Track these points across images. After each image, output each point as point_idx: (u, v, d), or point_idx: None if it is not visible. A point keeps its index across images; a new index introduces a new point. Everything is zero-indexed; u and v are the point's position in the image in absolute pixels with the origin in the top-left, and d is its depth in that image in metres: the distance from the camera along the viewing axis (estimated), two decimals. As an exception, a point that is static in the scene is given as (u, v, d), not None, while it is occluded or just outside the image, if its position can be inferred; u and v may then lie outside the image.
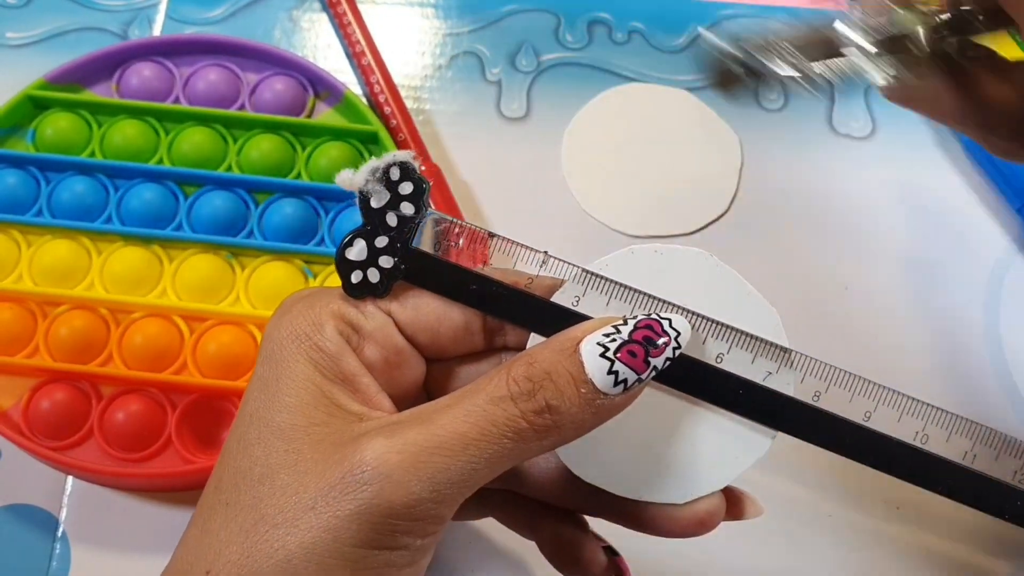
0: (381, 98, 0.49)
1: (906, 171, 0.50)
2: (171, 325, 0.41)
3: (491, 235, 0.27)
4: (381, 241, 0.26)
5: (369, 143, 0.46)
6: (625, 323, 0.24)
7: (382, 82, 0.49)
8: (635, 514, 0.27)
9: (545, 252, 0.26)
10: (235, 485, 0.24)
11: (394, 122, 0.48)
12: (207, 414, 0.41)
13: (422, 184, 0.26)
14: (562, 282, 0.26)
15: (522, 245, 0.26)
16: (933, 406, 0.25)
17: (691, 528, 0.27)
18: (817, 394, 0.25)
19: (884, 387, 0.25)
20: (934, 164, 0.50)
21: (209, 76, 0.47)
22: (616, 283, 0.26)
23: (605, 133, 0.50)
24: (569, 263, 0.26)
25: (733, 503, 0.27)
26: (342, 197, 0.45)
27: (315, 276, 0.43)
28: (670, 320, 0.25)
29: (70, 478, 0.41)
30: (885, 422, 0.25)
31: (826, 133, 0.51)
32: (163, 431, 0.40)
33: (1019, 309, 0.46)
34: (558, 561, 0.29)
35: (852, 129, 0.51)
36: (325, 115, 0.48)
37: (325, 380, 0.25)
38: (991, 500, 0.25)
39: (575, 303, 0.26)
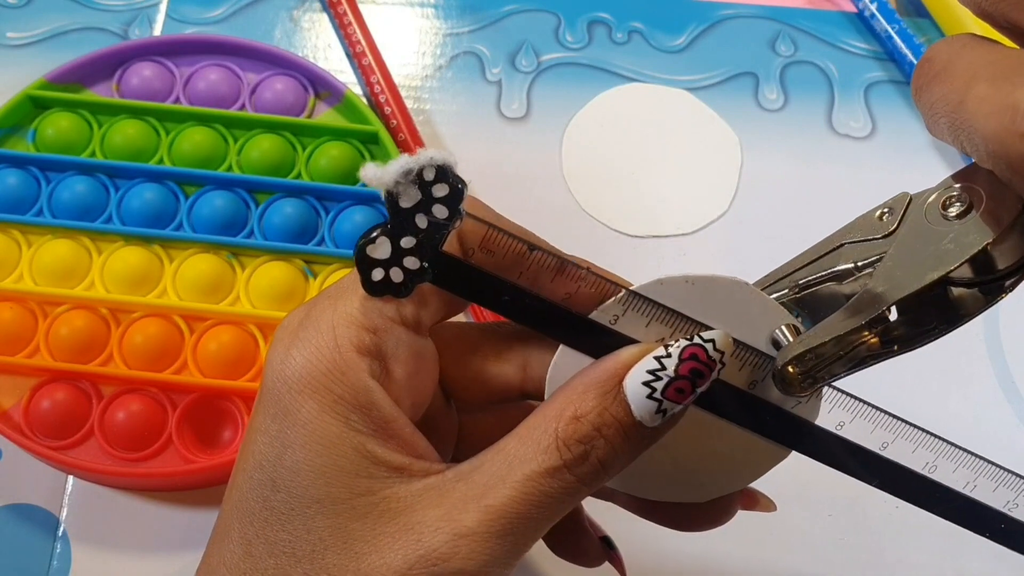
0: (382, 98, 0.49)
1: (906, 172, 0.50)
2: (171, 325, 0.41)
3: (531, 248, 0.25)
4: (407, 241, 0.24)
5: (369, 143, 0.46)
6: (668, 354, 0.23)
7: (382, 82, 0.49)
8: (653, 509, 0.28)
9: (587, 269, 0.25)
10: (274, 558, 0.23)
11: (394, 122, 0.48)
12: (207, 414, 0.41)
13: (459, 187, 0.23)
14: (608, 291, 0.25)
15: (564, 261, 0.25)
16: (947, 441, 0.26)
17: (705, 524, 0.28)
18: (841, 424, 0.26)
19: (904, 422, 0.26)
20: (934, 165, 0.50)
21: (209, 76, 0.47)
22: (658, 304, 0.25)
23: (605, 133, 0.50)
24: (611, 281, 0.25)
25: (748, 495, 0.28)
26: (342, 197, 0.45)
27: (315, 276, 0.43)
28: (714, 342, 0.24)
29: (71, 478, 0.41)
30: (900, 453, 0.26)
31: (826, 133, 0.51)
32: (163, 431, 0.40)
33: (1019, 309, 0.46)
34: (554, 546, 0.29)
35: (852, 129, 0.51)
36: (325, 115, 0.48)
37: (359, 435, 0.23)
38: (980, 522, 0.27)
39: (613, 322, 0.25)
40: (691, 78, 0.52)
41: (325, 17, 0.52)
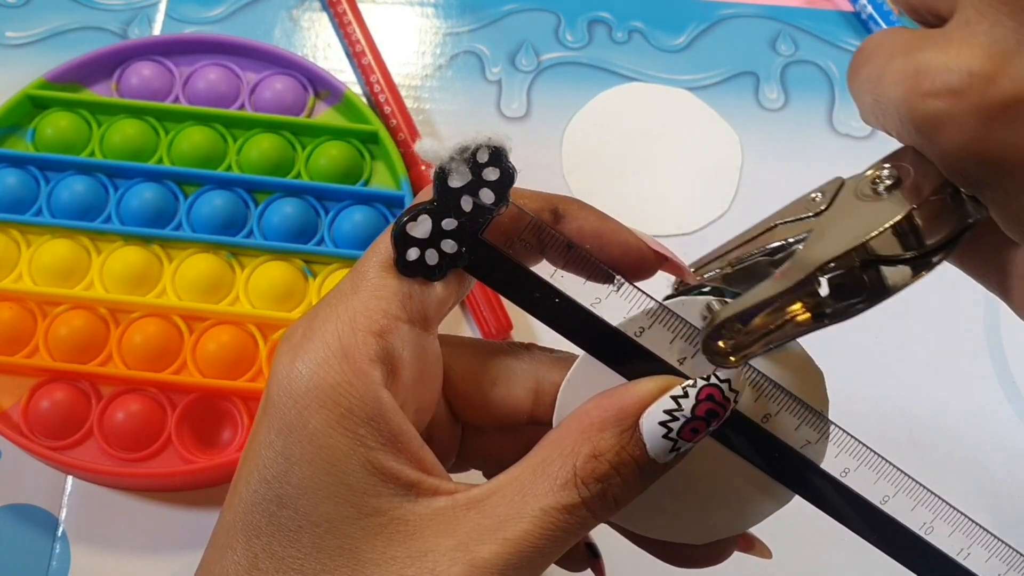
0: (381, 98, 0.49)
1: (906, 171, 0.50)
2: (171, 325, 0.41)
3: (569, 247, 0.25)
4: (449, 224, 0.23)
5: (369, 143, 0.46)
6: (685, 393, 0.23)
7: (382, 82, 0.49)
8: (649, 543, 0.27)
9: (620, 276, 0.25)
10: (281, 574, 0.22)
11: (394, 122, 0.48)
12: (207, 414, 0.41)
13: (510, 173, 0.23)
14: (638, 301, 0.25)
15: (599, 265, 0.25)
16: (947, 503, 0.26)
17: (702, 564, 0.28)
18: (846, 471, 0.26)
19: (908, 477, 0.26)
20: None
21: (209, 75, 0.47)
22: (685, 322, 0.25)
23: (605, 133, 0.50)
24: (644, 292, 0.25)
25: (745, 538, 0.28)
26: (342, 197, 0.44)
27: (315, 276, 0.43)
28: (729, 382, 0.23)
29: (70, 478, 0.41)
30: (899, 509, 0.26)
31: (826, 132, 0.51)
32: (163, 431, 0.40)
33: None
34: None
35: (852, 129, 0.51)
36: (325, 115, 0.48)
37: (368, 449, 0.22)
38: None
39: (638, 333, 0.25)
40: (691, 77, 0.52)
41: (325, 16, 0.52)
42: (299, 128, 0.46)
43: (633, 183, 0.49)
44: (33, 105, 0.46)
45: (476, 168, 0.23)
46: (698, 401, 0.23)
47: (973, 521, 0.26)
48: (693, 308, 0.25)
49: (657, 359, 0.25)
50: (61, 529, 0.40)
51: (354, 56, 0.50)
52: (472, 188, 0.23)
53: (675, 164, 0.49)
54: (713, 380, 0.23)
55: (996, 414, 0.44)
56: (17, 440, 0.39)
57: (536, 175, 0.49)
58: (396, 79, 0.50)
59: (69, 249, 0.42)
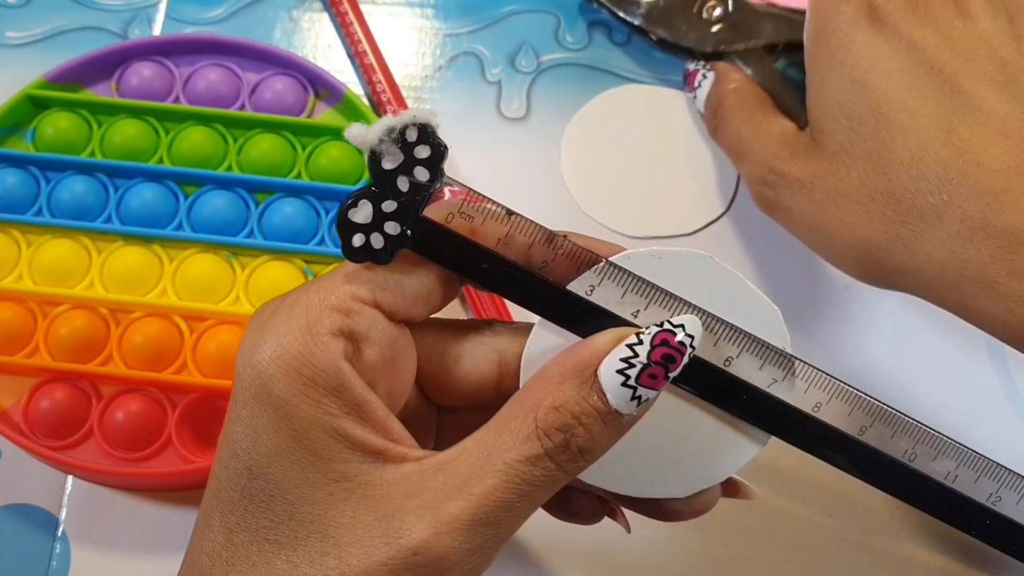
0: (384, 98, 0.49)
1: (906, 172, 0.50)
2: (171, 325, 0.41)
3: (509, 213, 0.25)
4: (389, 206, 0.24)
5: (369, 143, 0.46)
6: (640, 341, 0.24)
7: (384, 82, 0.49)
8: (635, 501, 0.28)
9: (564, 236, 0.25)
10: (256, 544, 0.23)
11: (394, 122, 0.48)
12: (207, 413, 0.41)
13: (440, 149, 0.24)
14: (585, 260, 0.25)
15: (542, 228, 0.25)
16: (925, 427, 0.26)
17: (689, 515, 0.28)
18: (818, 405, 0.26)
19: (883, 405, 0.26)
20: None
21: (209, 76, 0.47)
22: (634, 276, 0.25)
23: (605, 134, 0.50)
24: (590, 251, 0.25)
25: (729, 483, 0.28)
26: (342, 197, 0.44)
27: (315, 276, 0.43)
28: (683, 326, 0.24)
29: (70, 478, 0.41)
30: (878, 438, 0.26)
31: (826, 134, 0.51)
32: (163, 431, 0.40)
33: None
34: (547, 505, 0.29)
35: (852, 130, 0.51)
36: (325, 115, 0.48)
37: (333, 417, 0.23)
38: (963, 517, 0.27)
39: (589, 292, 0.25)
40: (691, 78, 0.52)
41: (325, 17, 0.52)
42: (299, 128, 0.46)
43: (633, 184, 0.49)
44: (33, 105, 0.46)
45: (406, 148, 0.24)
46: (653, 347, 0.24)
47: (957, 442, 0.26)
48: (640, 262, 0.25)
49: (611, 315, 0.25)
50: (61, 529, 0.40)
51: (356, 56, 0.50)
52: (406, 168, 0.24)
53: (675, 164, 0.50)
54: (667, 326, 0.24)
55: (996, 415, 0.44)
56: (17, 440, 0.39)
57: (535, 176, 0.49)
58: (396, 80, 0.50)
59: (69, 249, 0.42)
